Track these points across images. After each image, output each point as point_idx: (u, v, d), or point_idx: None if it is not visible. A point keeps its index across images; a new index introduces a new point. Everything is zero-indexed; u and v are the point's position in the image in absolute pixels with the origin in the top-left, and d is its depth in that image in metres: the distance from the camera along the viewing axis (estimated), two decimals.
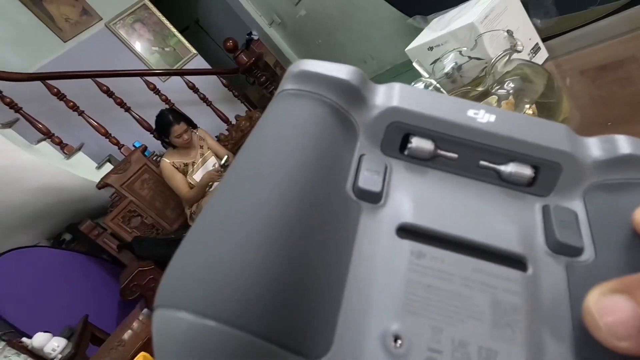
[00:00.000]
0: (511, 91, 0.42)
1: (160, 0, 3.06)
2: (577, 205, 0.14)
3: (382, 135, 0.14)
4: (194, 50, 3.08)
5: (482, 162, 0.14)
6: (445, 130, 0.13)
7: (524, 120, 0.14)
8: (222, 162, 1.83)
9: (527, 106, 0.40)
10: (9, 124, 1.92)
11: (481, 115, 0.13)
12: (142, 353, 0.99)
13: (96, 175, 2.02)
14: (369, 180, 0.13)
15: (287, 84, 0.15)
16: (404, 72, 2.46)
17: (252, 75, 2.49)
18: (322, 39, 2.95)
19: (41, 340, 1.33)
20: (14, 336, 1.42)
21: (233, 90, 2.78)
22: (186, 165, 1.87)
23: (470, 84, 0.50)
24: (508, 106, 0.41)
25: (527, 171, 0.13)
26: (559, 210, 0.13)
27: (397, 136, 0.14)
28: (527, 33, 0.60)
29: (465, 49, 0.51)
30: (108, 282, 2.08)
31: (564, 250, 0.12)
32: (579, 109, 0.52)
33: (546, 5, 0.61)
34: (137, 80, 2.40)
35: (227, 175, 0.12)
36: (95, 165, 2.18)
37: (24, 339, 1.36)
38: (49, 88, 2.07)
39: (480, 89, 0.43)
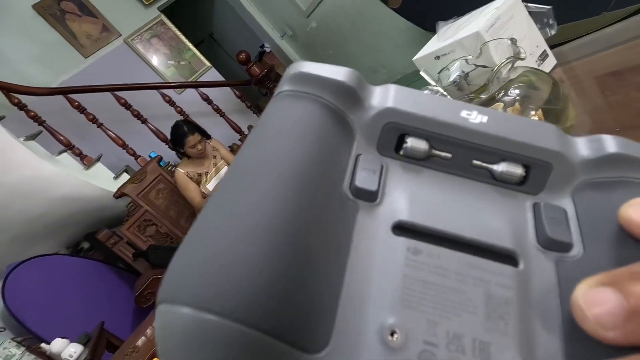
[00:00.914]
0: (517, 98, 0.42)
1: (176, 15, 3.16)
2: (566, 203, 0.14)
3: (378, 135, 0.14)
4: (208, 63, 3.16)
5: (475, 162, 0.14)
6: (439, 130, 0.14)
7: (516, 120, 0.14)
8: None
9: (533, 112, 0.41)
10: (33, 137, 2.00)
11: (474, 116, 0.14)
12: (156, 359, 1.01)
13: (113, 185, 2.08)
14: (365, 179, 0.13)
15: (284, 86, 0.15)
16: (415, 81, 2.46)
17: (264, 87, 2.54)
18: (332, 50, 2.99)
19: (59, 346, 1.36)
20: (33, 342, 1.46)
21: (246, 101, 2.83)
22: (200, 175, 1.90)
23: (476, 92, 0.50)
24: (514, 113, 0.41)
25: (518, 170, 0.14)
26: (549, 207, 0.14)
27: (392, 136, 0.14)
28: (534, 41, 0.60)
29: (471, 57, 0.52)
30: (123, 289, 2.12)
31: (554, 246, 0.13)
32: (588, 114, 0.52)
33: (557, 12, 0.62)
34: (154, 93, 2.48)
35: (228, 173, 0.13)
36: (113, 175, 2.24)
37: (43, 345, 1.40)
38: (70, 102, 2.15)
39: (484, 96, 0.44)
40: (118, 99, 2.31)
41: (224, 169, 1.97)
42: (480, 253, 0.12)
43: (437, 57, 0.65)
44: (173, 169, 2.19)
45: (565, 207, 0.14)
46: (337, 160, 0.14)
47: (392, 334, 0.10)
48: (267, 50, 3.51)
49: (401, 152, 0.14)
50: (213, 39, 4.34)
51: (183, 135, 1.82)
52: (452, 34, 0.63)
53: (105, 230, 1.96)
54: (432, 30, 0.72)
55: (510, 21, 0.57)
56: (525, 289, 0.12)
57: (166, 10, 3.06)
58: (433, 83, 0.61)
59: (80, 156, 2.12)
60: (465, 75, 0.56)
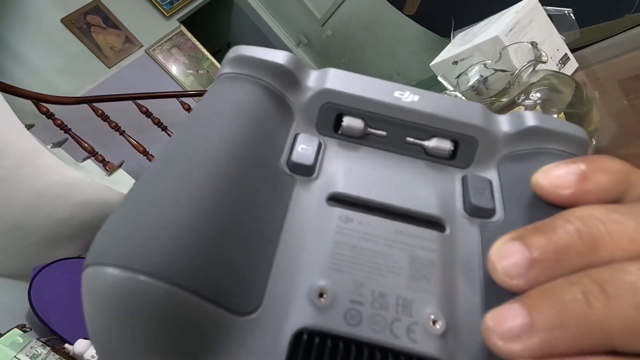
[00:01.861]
0: (538, 101, 0.42)
1: (195, 26, 3.25)
2: (492, 175, 0.15)
3: (317, 115, 0.15)
4: None
5: (409, 139, 0.15)
6: (373, 109, 0.15)
7: (445, 100, 0.15)
8: None
9: (555, 116, 0.40)
10: (59, 144, 2.08)
11: (406, 96, 0.15)
12: None
13: None
14: (301, 155, 0.14)
15: (225, 68, 0.15)
16: (431, 87, 2.45)
17: None
18: (347, 57, 3.01)
19: (82, 347, 1.39)
20: (57, 342, 1.50)
21: None
22: None
23: (496, 96, 0.50)
24: None
25: (447, 145, 0.15)
26: (475, 179, 0.15)
27: (330, 116, 0.15)
28: (555, 44, 0.60)
29: (490, 61, 0.52)
30: None
31: (478, 212, 0.14)
32: (613, 117, 0.51)
33: (578, 15, 0.61)
34: (173, 101, 2.55)
35: (163, 147, 0.13)
36: (133, 181, 2.30)
37: (66, 345, 1.44)
38: (94, 110, 2.23)
39: (505, 99, 0.44)
40: (139, 107, 2.39)
41: None
42: (410, 220, 0.13)
43: (455, 62, 0.65)
44: None
45: (490, 178, 0.15)
46: (274, 139, 0.14)
47: (320, 295, 0.11)
48: None
49: (339, 132, 0.15)
50: (230, 48, 4.43)
51: None
52: (470, 38, 0.64)
53: None
54: (447, 36, 0.72)
55: (529, 25, 0.57)
56: (450, 252, 0.13)
57: (185, 21, 3.15)
58: (451, 88, 0.61)
59: (103, 162, 2.19)
60: (484, 80, 0.56)
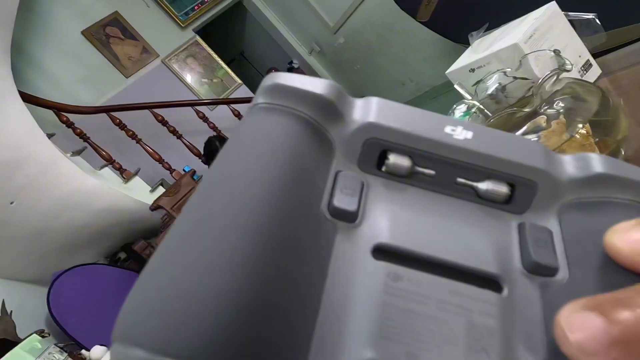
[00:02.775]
0: (561, 110, 0.41)
1: (209, 36, 3.32)
2: (552, 224, 0.13)
3: (359, 151, 0.14)
4: (239, 80, 3.28)
5: (459, 179, 0.14)
6: (422, 147, 0.13)
7: (501, 137, 0.14)
8: None
9: (580, 125, 0.39)
10: (78, 152, 2.14)
11: (458, 132, 0.13)
12: None
13: (149, 198, 2.17)
14: (344, 199, 0.13)
15: (259, 98, 0.14)
16: (444, 93, 2.43)
17: None
18: (360, 64, 3.02)
19: (98, 353, 1.41)
20: (74, 348, 1.52)
21: None
22: None
23: (515, 105, 0.49)
24: (559, 126, 0.40)
25: (503, 188, 0.13)
26: (534, 228, 0.13)
27: (374, 152, 0.14)
28: (576, 50, 0.58)
29: (509, 69, 0.50)
30: None
31: (539, 270, 0.12)
32: (638, 125, 0.49)
33: (600, 19, 0.59)
34: (188, 109, 2.60)
35: (195, 194, 0.11)
36: (149, 188, 2.34)
37: (83, 351, 1.46)
38: (112, 119, 2.29)
39: (527, 109, 0.43)
40: (156, 115, 2.44)
41: None
42: (463, 278, 0.12)
43: (472, 70, 0.64)
44: None
45: (551, 227, 0.13)
46: (314, 179, 0.13)
47: None
48: (296, 66, 3.60)
49: (383, 169, 0.14)
50: (244, 57, 4.50)
51: (215, 149, 1.88)
52: (487, 45, 0.62)
53: (141, 241, 2.04)
54: (462, 42, 0.71)
55: (549, 32, 0.56)
56: (509, 317, 0.11)
57: (200, 32, 3.22)
58: (468, 97, 0.60)
59: (120, 170, 2.24)
60: (502, 88, 0.55)
